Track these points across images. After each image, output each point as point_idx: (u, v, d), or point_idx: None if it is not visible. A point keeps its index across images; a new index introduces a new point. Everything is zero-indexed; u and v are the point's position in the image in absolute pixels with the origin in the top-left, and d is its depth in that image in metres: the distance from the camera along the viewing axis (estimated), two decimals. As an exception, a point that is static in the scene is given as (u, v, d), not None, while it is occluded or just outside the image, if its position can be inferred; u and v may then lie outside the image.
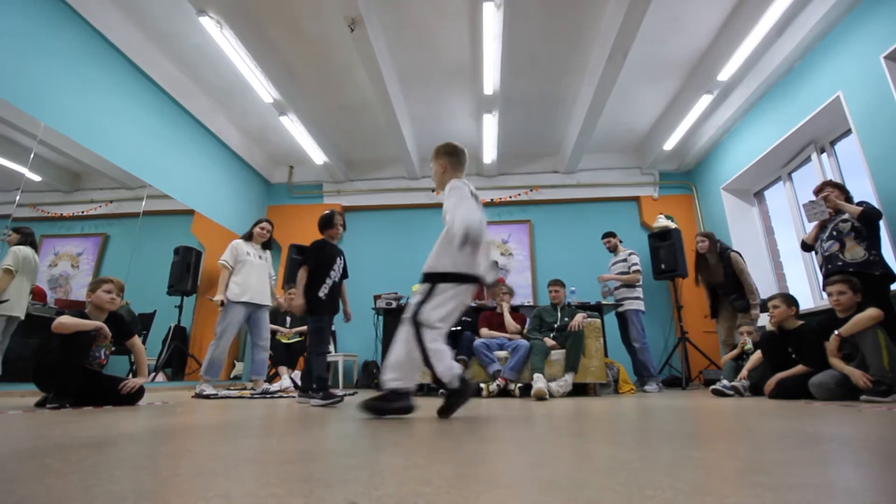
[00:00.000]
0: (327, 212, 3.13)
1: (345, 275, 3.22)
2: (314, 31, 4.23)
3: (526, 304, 5.18)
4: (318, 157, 6.10)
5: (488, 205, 6.64)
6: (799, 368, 2.91)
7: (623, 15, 3.65)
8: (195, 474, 0.86)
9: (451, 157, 2.21)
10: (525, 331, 3.99)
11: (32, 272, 3.36)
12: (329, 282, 2.98)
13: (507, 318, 4.06)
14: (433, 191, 6.65)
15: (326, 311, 2.98)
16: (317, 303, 2.92)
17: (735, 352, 3.75)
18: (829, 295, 2.83)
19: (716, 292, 4.32)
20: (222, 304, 3.73)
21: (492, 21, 3.82)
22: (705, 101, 4.95)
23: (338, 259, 3.10)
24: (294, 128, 5.43)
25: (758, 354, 3.33)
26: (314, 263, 2.99)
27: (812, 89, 4.05)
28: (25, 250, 3.29)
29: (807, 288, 4.59)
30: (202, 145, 5.40)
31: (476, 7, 3.87)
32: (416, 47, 4.48)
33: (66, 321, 2.36)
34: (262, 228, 3.97)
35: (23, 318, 3.24)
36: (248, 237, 3.99)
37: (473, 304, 4.94)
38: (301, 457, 1.02)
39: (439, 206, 6.64)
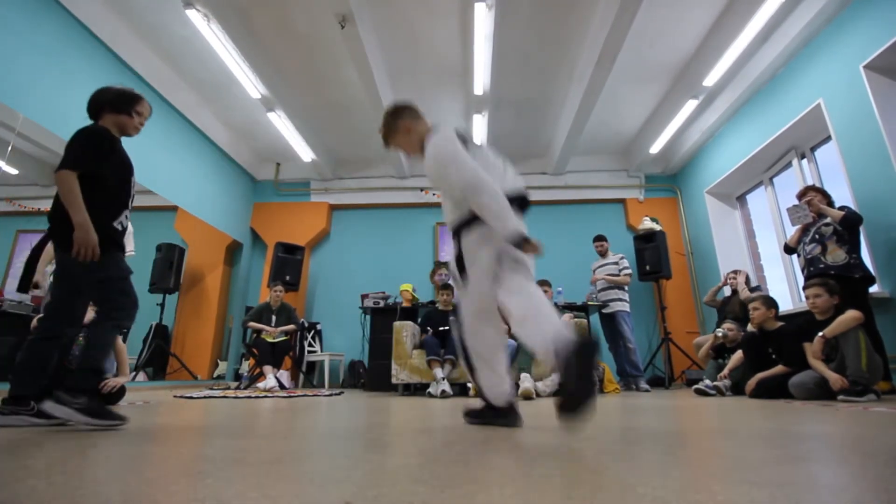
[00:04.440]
0: (124, 88, 1.90)
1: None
2: (304, 26, 4.18)
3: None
4: (305, 154, 6.04)
5: (477, 205, 6.65)
6: (779, 369, 2.98)
7: (612, 19, 3.69)
8: (183, 475, 0.84)
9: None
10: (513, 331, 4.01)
11: None
12: (130, 205, 1.89)
13: (495, 318, 4.07)
14: (422, 190, 6.63)
15: (123, 249, 1.83)
16: (110, 234, 1.74)
17: (709, 343, 3.81)
18: (807, 298, 2.90)
19: (724, 315, 4.38)
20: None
21: (483, 21, 3.83)
22: (691, 105, 5.04)
23: (132, 168, 1.91)
24: (282, 124, 5.36)
25: (738, 354, 3.39)
26: (98, 166, 1.72)
27: (794, 96, 4.15)
28: None
29: (786, 290, 4.70)
30: (187, 141, 5.31)
31: (467, 7, 3.87)
32: (406, 46, 4.46)
33: (45, 319, 2.28)
34: None
35: None
36: None
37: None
38: (291, 457, 1.01)
39: (428, 205, 6.68)
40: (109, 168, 1.76)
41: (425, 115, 1.86)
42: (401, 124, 1.77)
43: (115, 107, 1.83)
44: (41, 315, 1.80)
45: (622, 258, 4.77)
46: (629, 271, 4.71)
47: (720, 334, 3.64)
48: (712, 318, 5.17)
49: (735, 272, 4.50)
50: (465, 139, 1.66)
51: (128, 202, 1.82)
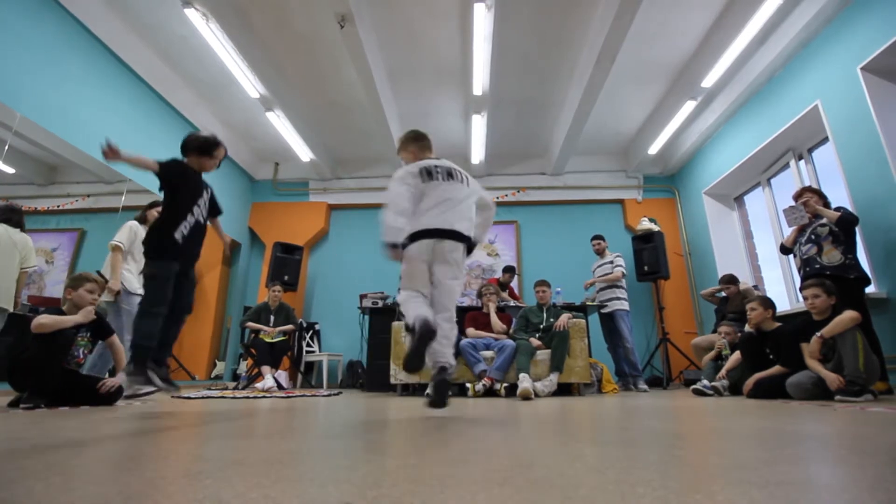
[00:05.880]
0: (209, 135, 2.45)
1: (216, 210, 2.56)
2: (303, 26, 4.18)
3: (511, 304, 5.21)
4: (304, 154, 6.04)
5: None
6: (776, 369, 2.98)
7: (611, 20, 3.70)
8: (182, 476, 0.84)
9: (417, 142, 2.32)
10: (511, 331, 4.02)
11: (7, 253, 2.94)
12: (192, 220, 2.28)
13: (494, 319, 4.08)
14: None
15: (181, 256, 2.24)
16: (169, 244, 2.19)
17: (713, 353, 3.84)
18: (805, 298, 2.91)
19: (724, 314, 4.42)
20: (118, 293, 3.14)
21: (482, 22, 3.83)
22: (689, 106, 5.05)
23: (204, 192, 2.42)
24: (280, 124, 5.36)
25: (736, 355, 3.40)
26: (174, 186, 2.29)
27: (791, 98, 4.16)
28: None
29: (783, 291, 4.71)
30: (185, 140, 5.29)
31: (467, 7, 3.88)
32: (406, 46, 4.46)
33: (46, 321, 2.29)
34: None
35: (11, 309, 2.95)
36: (143, 220, 3.40)
37: (462, 304, 4.95)
38: (291, 457, 1.01)
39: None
40: (177, 185, 2.28)
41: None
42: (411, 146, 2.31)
43: (200, 151, 2.39)
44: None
45: (617, 256, 4.78)
46: (622, 268, 4.71)
47: (725, 354, 3.68)
48: (710, 318, 5.18)
49: (728, 284, 4.52)
50: (429, 173, 2.11)
51: (187, 216, 2.27)
